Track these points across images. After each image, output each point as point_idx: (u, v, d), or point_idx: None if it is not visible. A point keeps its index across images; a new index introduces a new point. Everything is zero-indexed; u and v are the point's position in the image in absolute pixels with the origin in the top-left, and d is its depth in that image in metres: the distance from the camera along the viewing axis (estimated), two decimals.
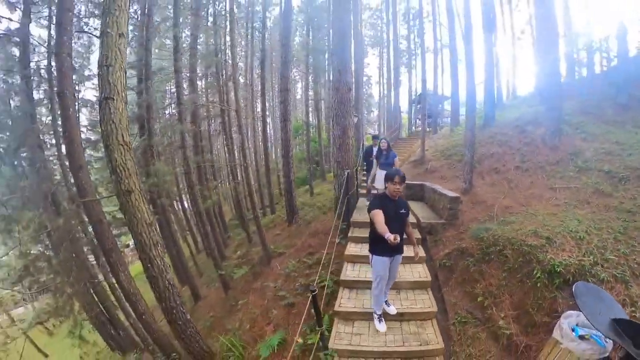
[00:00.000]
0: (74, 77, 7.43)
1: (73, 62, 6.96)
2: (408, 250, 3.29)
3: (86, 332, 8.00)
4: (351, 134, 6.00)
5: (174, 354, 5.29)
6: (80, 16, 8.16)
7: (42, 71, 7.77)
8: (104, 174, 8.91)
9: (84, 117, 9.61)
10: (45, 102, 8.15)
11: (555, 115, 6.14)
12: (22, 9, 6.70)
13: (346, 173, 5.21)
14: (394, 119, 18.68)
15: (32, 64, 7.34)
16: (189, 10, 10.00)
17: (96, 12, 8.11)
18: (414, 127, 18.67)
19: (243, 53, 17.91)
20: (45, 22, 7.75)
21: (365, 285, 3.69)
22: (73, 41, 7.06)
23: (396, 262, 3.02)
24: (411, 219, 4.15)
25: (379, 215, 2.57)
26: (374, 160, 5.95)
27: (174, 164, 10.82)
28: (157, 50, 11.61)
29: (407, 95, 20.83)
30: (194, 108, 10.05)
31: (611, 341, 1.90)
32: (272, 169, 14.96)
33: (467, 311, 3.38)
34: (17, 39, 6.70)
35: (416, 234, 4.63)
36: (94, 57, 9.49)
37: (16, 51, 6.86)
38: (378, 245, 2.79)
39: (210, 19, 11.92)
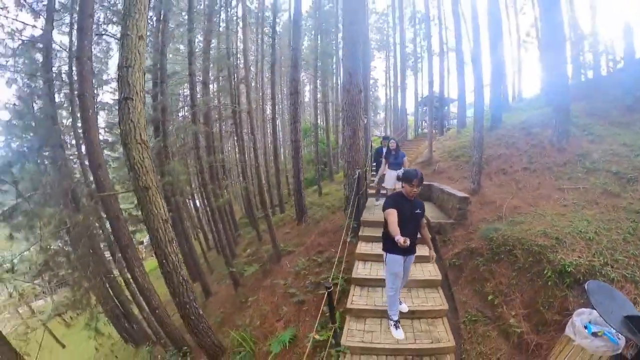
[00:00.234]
0: (93, 80, 7.75)
1: (92, 66, 7.27)
2: (420, 250, 3.31)
3: (101, 325, 8.30)
4: (361, 135, 6.08)
5: (185, 347, 5.43)
6: (99, 22, 8.52)
7: (64, 75, 8.16)
8: (120, 172, 9.23)
9: (101, 119, 9.96)
10: (65, 104, 8.54)
11: (563, 117, 6.10)
12: (45, 17, 7.02)
13: (357, 172, 5.28)
14: (401, 121, 18.75)
15: (54, 69, 7.70)
16: (203, 16, 10.32)
17: (114, 19, 8.46)
18: (420, 129, 18.68)
19: (253, 57, 18.21)
20: (66, 29, 8.13)
21: (376, 283, 3.73)
22: (92, 47, 7.37)
23: (409, 261, 3.03)
24: None
25: (392, 215, 2.54)
26: (383, 160, 6.05)
27: (187, 164, 11.08)
28: (171, 55, 11.96)
29: (413, 97, 20.84)
30: (207, 110, 10.33)
31: (624, 338, 1.91)
32: (281, 170, 15.12)
33: (477, 309, 3.41)
34: (41, 45, 7.03)
35: None
36: (112, 62, 9.88)
37: (39, 56, 7.17)
38: (392, 243, 2.76)
39: (223, 24, 12.26)
